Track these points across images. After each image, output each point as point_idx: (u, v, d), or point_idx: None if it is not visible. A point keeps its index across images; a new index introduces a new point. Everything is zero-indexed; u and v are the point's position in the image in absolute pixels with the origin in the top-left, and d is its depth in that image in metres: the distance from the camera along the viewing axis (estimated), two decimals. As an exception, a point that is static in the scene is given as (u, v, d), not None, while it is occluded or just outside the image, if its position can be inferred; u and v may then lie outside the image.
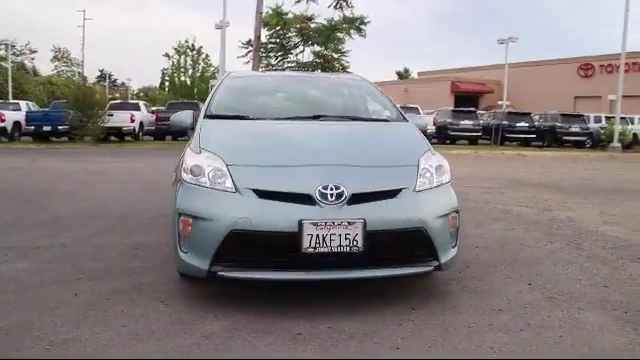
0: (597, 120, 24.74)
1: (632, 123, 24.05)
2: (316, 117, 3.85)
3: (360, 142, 3.49)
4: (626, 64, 36.34)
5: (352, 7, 19.58)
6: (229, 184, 2.94)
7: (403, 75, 66.69)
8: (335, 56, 20.52)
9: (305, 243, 2.77)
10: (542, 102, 34.22)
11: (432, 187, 3.16)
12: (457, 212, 3.23)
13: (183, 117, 4.16)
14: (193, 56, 34.14)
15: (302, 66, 20.11)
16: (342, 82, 4.75)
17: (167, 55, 33.79)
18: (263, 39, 19.69)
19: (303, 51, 20.20)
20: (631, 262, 4.19)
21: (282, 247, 2.83)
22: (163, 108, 24.34)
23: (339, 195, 2.86)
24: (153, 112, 23.10)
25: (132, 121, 19.85)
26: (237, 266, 2.88)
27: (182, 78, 34.41)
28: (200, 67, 34.56)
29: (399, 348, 2.56)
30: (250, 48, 20.21)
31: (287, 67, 20.57)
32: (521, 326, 2.87)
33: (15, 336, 2.59)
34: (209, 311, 2.94)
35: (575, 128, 23.65)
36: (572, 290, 3.48)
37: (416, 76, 59.55)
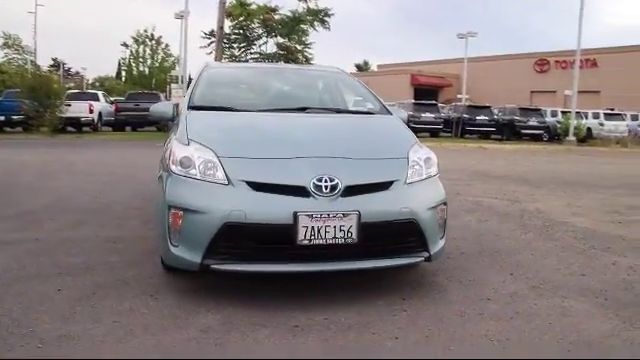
0: (554, 114, 25.54)
1: (586, 118, 24.92)
2: (301, 109, 3.83)
3: (349, 134, 3.48)
4: (580, 60, 37.90)
5: (315, -1, 19.53)
6: (221, 176, 2.89)
7: (362, 68, 67.01)
8: (299, 48, 20.43)
9: (300, 235, 2.75)
10: (499, 96, 35.09)
11: (422, 179, 3.20)
12: (445, 204, 3.27)
13: (164, 108, 4.07)
14: (152, 46, 33.35)
15: (265, 57, 19.97)
16: (323, 74, 4.73)
17: (125, 45, 32.93)
18: (226, 30, 19.40)
19: (266, 42, 20.03)
20: (602, 252, 4.35)
21: (276, 239, 2.81)
22: (122, 98, 23.72)
23: (333, 187, 2.85)
24: (112, 102, 22.48)
25: (91, 111, 19.28)
26: (230, 259, 2.84)
27: (141, 68, 33.57)
28: (159, 57, 33.81)
29: (397, 338, 2.58)
30: (213, 39, 19.92)
31: (250, 58, 20.38)
32: (511, 314, 2.94)
33: (2, 334, 2.47)
34: (201, 305, 2.89)
35: (533, 122, 24.35)
36: (553, 279, 3.58)
37: (376, 69, 60.06)
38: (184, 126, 3.38)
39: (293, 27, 19.10)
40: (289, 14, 19.25)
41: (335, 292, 3.13)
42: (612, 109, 27.64)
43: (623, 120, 25.23)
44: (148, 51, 33.27)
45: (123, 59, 36.52)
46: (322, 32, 21.12)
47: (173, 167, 3.03)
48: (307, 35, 19.67)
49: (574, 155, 16.91)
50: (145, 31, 32.84)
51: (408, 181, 3.11)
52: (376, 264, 2.97)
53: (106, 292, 3.07)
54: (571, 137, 22.92)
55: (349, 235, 2.81)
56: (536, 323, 2.82)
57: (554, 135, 24.41)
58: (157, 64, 33.68)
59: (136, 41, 32.97)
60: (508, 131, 24.17)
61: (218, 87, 4.14)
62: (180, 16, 31.11)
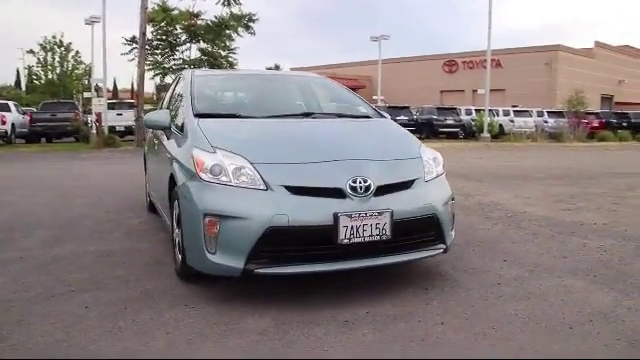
0: (468, 113, 27.04)
1: (497, 115, 26.63)
2: (306, 114, 3.94)
3: (364, 137, 3.64)
4: (485, 60, 40.38)
5: (240, 4, 19.47)
6: (259, 182, 2.95)
7: (274, 71, 67.09)
8: (223, 53, 20.27)
9: (341, 235, 2.88)
10: (412, 96, 36.64)
11: (434, 177, 3.43)
12: (453, 199, 3.53)
13: (159, 117, 4.02)
14: (61, 53, 31.53)
15: (189, 64, 19.62)
16: (310, 81, 4.85)
17: (32, 51, 30.83)
18: (149, 36, 18.87)
19: (190, 48, 19.70)
20: (569, 236, 4.82)
21: (318, 240, 2.92)
22: (35, 109, 22.34)
23: (367, 188, 3.01)
24: (24, 113, 21.10)
25: (3, 123, 17.99)
26: (272, 262, 2.90)
27: (49, 76, 31.63)
28: (69, 65, 32.03)
29: (443, 323, 2.78)
30: (135, 45, 19.30)
31: (173, 64, 19.95)
32: (525, 295, 3.23)
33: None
34: (242, 311, 2.93)
35: (450, 120, 25.69)
36: (542, 263, 3.95)
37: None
38: (200, 134, 3.39)
39: (219, 33, 18.91)
40: (214, 19, 19.05)
41: (360, 288, 3.28)
42: (516, 106, 29.72)
43: (531, 116, 27.24)
44: (57, 58, 31.45)
45: (27, 67, 34.20)
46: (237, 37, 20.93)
47: (203, 175, 3.05)
48: (233, 40, 19.57)
49: (494, 151, 18.07)
50: (53, 37, 31.02)
51: (426, 179, 3.33)
52: (406, 257, 3.17)
53: (137, 306, 3.03)
54: (485, 134, 24.39)
55: (384, 232, 2.98)
56: (551, 301, 3.13)
57: (469, 132, 25.86)
58: (68, 71, 31.91)
59: (43, 48, 31.04)
60: (427, 130, 25.29)
61: (215, 94, 4.15)
62: (91, 22, 29.75)
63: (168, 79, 19.90)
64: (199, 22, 19.08)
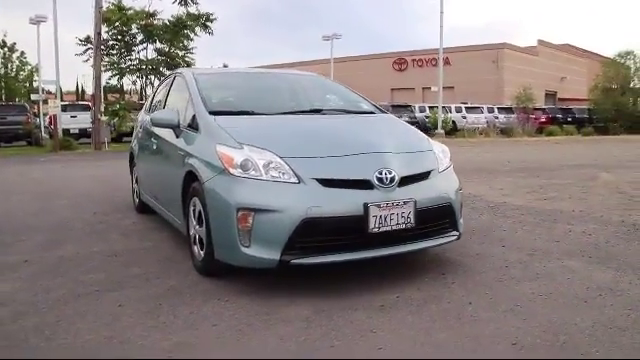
0: (422, 110, 27.72)
1: (450, 112, 27.42)
2: (316, 111, 4.06)
3: (378, 131, 3.79)
4: (434, 59, 41.46)
5: (197, 4, 19.27)
6: (291, 176, 3.06)
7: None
8: (180, 53, 20.00)
9: (371, 224, 3.03)
10: (363, 94, 37.13)
11: (445, 168, 3.63)
12: (461, 189, 3.74)
13: (168, 115, 4.04)
14: (5, 53, 30.20)
15: (147, 64, 19.27)
16: (308, 79, 4.97)
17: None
18: (104, 36, 18.41)
19: (146, 48, 19.34)
20: (553, 223, 5.14)
21: (349, 230, 3.06)
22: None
23: (392, 179, 3.17)
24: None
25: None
26: (307, 253, 3.01)
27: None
28: (14, 66, 30.70)
29: (471, 303, 2.97)
30: (89, 45, 18.79)
31: (130, 65, 19.54)
32: (534, 276, 3.48)
33: (128, 352, 2.44)
34: (276, 301, 3.02)
35: (405, 117, 26.15)
36: (538, 247, 4.22)
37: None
38: (221, 131, 3.45)
39: (177, 32, 18.65)
40: (171, 19, 18.76)
41: (382, 276, 3.44)
42: (465, 103, 30.69)
43: (482, 113, 28.19)
44: (0, 60, 30.10)
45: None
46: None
47: (232, 170, 3.12)
48: (192, 40, 19.34)
49: (452, 147, 18.35)
50: (-5, 37, 29.68)
51: (440, 170, 3.52)
52: (427, 244, 3.36)
53: (171, 302, 3.06)
54: (440, 130, 25.08)
55: (409, 220, 3.15)
56: (559, 280, 3.39)
57: (424, 129, 26.46)
58: (12, 73, 30.59)
59: (-16, 49, 29.66)
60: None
61: (221, 92, 4.19)
62: (36, 21, 28.65)
63: (125, 80, 19.46)
64: (156, 22, 18.75)
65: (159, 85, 5.89)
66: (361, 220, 3.02)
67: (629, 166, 10.87)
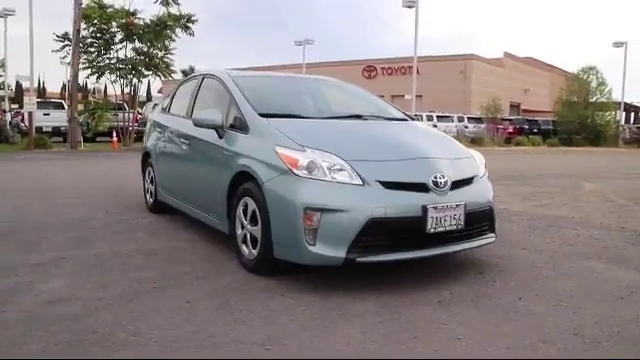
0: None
1: (421, 120, 28.01)
2: (356, 116, 4.24)
3: (422, 138, 4.00)
4: (403, 67, 42.25)
5: (179, 4, 19.15)
6: (356, 178, 3.22)
7: (188, 73, 65.95)
8: (160, 54, 19.81)
9: (429, 225, 3.24)
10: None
11: (483, 175, 3.87)
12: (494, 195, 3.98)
13: (213, 116, 4.11)
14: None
15: (127, 63, 19.00)
16: (338, 84, 5.15)
17: None
18: (83, 33, 18.10)
19: (125, 47, 19.08)
20: (559, 228, 5.47)
21: (408, 230, 3.25)
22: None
23: (445, 183, 3.38)
24: None
25: None
26: (370, 251, 3.19)
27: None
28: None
29: (520, 298, 3.21)
30: (67, 42, 18.44)
31: (107, 63, 19.22)
32: (564, 275, 3.76)
33: (222, 342, 2.55)
34: (338, 297, 3.16)
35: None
36: (555, 250, 4.51)
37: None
38: (278, 133, 3.59)
39: (159, 32, 18.47)
40: (153, 19, 18.56)
41: (425, 275, 3.64)
42: (433, 111, 31.36)
43: (452, 122, 28.93)
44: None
45: None
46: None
47: (297, 171, 3.26)
48: (173, 41, 19.16)
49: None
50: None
51: (480, 175, 3.76)
52: (472, 244, 3.59)
53: (236, 298, 3.15)
54: (413, 138, 25.54)
55: (459, 222, 3.37)
56: (589, 279, 3.67)
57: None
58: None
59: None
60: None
61: (261, 95, 4.30)
62: (4, 14, 27.86)
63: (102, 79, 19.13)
64: (136, 21, 18.52)
65: (179, 85, 5.94)
66: (419, 221, 3.22)
67: (604, 177, 11.46)
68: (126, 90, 19.66)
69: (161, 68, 19.95)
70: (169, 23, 18.99)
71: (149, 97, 48.52)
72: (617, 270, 3.90)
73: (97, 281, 3.50)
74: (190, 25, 19.53)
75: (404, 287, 3.37)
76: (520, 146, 26.34)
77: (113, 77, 18.91)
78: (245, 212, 3.69)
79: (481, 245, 3.73)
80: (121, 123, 19.10)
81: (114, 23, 18.34)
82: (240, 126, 3.97)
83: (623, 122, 37.00)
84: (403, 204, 3.22)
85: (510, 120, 31.49)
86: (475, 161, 3.87)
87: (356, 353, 2.44)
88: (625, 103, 37.09)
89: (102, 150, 17.46)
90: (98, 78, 18.58)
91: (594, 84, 31.52)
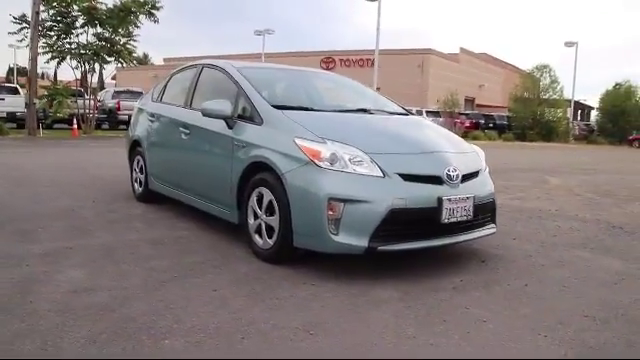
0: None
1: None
2: (362, 110, 4.38)
3: (429, 133, 4.18)
4: (362, 59, 42.63)
5: (143, -11, 18.71)
6: (377, 170, 3.36)
7: (143, 61, 64.47)
8: (122, 40, 19.33)
9: (443, 215, 3.42)
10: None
11: (485, 168, 4.08)
12: (492, 188, 4.22)
13: (222, 106, 4.12)
14: None
15: (89, 48, 18.46)
16: (339, 78, 5.27)
17: None
18: (42, 15, 17.46)
19: (87, 32, 18.53)
20: (541, 220, 5.81)
21: (424, 220, 3.42)
22: None
23: (457, 176, 3.57)
24: None
25: None
26: (389, 240, 3.34)
27: None
28: None
29: (527, 285, 3.44)
30: (24, 25, 17.74)
31: (66, 48, 18.62)
32: (558, 263, 4.04)
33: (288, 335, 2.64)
34: (359, 284, 3.30)
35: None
36: (543, 240, 4.81)
37: (161, 62, 58.60)
38: (296, 124, 3.68)
39: (123, 18, 18.00)
40: (117, 4, 18.05)
41: (433, 264, 3.83)
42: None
43: (413, 115, 29.43)
44: None
45: None
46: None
47: (320, 163, 3.37)
48: (138, 27, 18.73)
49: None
50: None
51: (483, 169, 3.97)
52: (478, 234, 3.81)
53: (261, 286, 3.23)
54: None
55: (469, 213, 3.58)
56: (581, 266, 3.96)
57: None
58: None
59: None
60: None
61: (269, 87, 4.37)
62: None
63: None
64: (100, 6, 18.00)
65: (172, 75, 5.91)
66: (435, 212, 3.40)
67: (565, 171, 12.07)
68: (89, 77, 19.11)
69: (123, 55, 19.47)
70: (133, 9, 18.52)
71: (102, 85, 47.14)
72: (604, 259, 4.21)
73: (113, 271, 3.50)
74: (154, 12, 19.10)
75: (418, 275, 3.54)
76: (476, 140, 27.05)
77: (74, 63, 18.32)
78: (259, 202, 3.77)
79: (486, 235, 3.95)
80: (81, 110, 18.56)
81: (75, 7, 17.73)
82: (251, 117, 4.03)
83: (572, 119, 38.69)
84: (421, 195, 3.39)
85: (467, 115, 32.38)
86: (478, 155, 4.08)
87: (397, 337, 2.59)
88: (575, 101, 38.78)
89: (62, 137, 16.98)
90: (59, 63, 17.96)
91: (547, 81, 32.81)
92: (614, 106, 36.24)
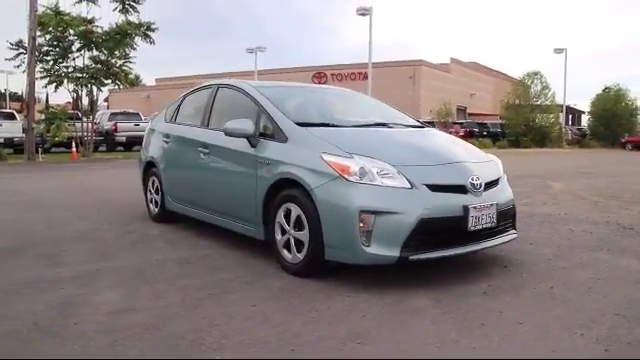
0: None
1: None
2: (381, 124, 4.50)
3: (448, 143, 4.30)
4: (353, 73, 43.04)
5: (138, 12, 18.87)
6: (405, 182, 3.47)
7: (134, 82, 64.55)
8: (119, 62, 19.42)
9: (470, 223, 3.53)
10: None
11: (503, 176, 4.20)
12: (509, 194, 4.33)
13: (244, 125, 4.20)
14: None
15: (86, 72, 18.53)
16: (353, 93, 5.41)
17: None
18: (39, 40, 17.57)
19: (83, 55, 18.63)
20: (553, 224, 5.93)
21: (452, 228, 3.53)
22: None
23: (480, 185, 3.68)
24: None
25: None
26: (420, 249, 3.43)
27: None
28: None
29: (552, 287, 3.54)
30: (22, 50, 17.83)
31: (64, 72, 18.69)
32: (578, 265, 4.16)
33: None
34: (392, 294, 3.39)
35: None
36: (559, 243, 4.93)
37: (153, 82, 58.88)
38: (321, 141, 3.78)
39: (119, 41, 18.13)
40: (113, 27, 18.19)
41: (454, 270, 3.92)
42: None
43: (408, 126, 29.67)
44: None
45: None
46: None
47: (349, 177, 3.47)
48: (134, 49, 18.85)
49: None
50: None
51: (503, 177, 4.09)
52: (501, 240, 3.93)
53: (297, 300, 3.30)
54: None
55: (493, 220, 3.69)
56: (601, 267, 4.07)
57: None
58: None
59: None
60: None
61: (290, 104, 4.47)
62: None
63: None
64: (95, 29, 18.12)
65: (185, 96, 6.01)
66: (462, 220, 3.51)
67: (565, 176, 12.24)
68: (87, 99, 19.20)
69: (120, 77, 19.55)
70: (129, 31, 18.65)
71: (92, 107, 47.07)
72: (621, 259, 4.32)
73: (148, 291, 3.56)
74: (150, 33, 19.24)
75: (446, 282, 3.63)
76: (473, 148, 27.32)
77: (72, 86, 18.41)
78: (287, 217, 3.85)
79: (508, 241, 4.05)
80: (79, 133, 18.60)
81: (71, 31, 17.85)
82: (274, 135, 4.13)
83: (565, 124, 39.11)
84: (448, 205, 3.50)
85: (461, 124, 32.64)
86: (496, 164, 4.20)
87: (442, 342, 2.67)
88: (566, 106, 39.24)
89: (62, 161, 16.97)
90: (56, 87, 18.02)
91: (538, 88, 33.23)
92: (605, 110, 36.76)
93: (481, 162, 4.04)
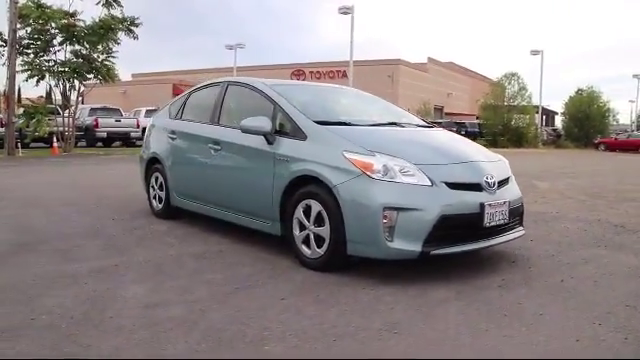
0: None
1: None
2: (392, 124, 4.63)
3: (458, 143, 4.46)
4: (332, 71, 43.26)
5: (122, 7, 18.64)
6: (426, 180, 3.61)
7: (114, 78, 63.45)
8: (101, 57, 19.15)
9: (486, 220, 3.70)
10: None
11: (511, 176, 4.38)
12: (516, 192, 4.51)
13: (262, 123, 4.27)
14: None
15: (68, 66, 18.23)
16: (360, 92, 5.54)
17: None
18: (20, 33, 17.25)
19: (65, 49, 18.33)
20: (549, 222, 6.17)
21: (469, 224, 3.69)
22: None
23: (494, 183, 3.85)
24: None
25: None
26: (440, 244, 3.59)
27: None
28: None
29: (562, 280, 3.74)
30: (1, 43, 17.47)
31: (45, 66, 18.36)
32: (581, 261, 4.38)
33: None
34: (413, 288, 3.54)
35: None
36: (558, 240, 5.16)
37: (130, 78, 58.12)
38: (342, 139, 3.90)
39: (103, 35, 17.89)
40: (97, 21, 17.93)
41: (465, 265, 4.09)
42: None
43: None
44: None
45: None
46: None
47: (372, 174, 3.60)
48: (118, 44, 18.61)
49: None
50: None
51: (512, 176, 4.27)
52: (512, 236, 4.12)
53: (324, 294, 3.41)
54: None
55: (505, 217, 3.88)
56: (603, 262, 4.29)
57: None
58: None
59: None
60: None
61: (306, 103, 4.55)
62: None
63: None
64: (78, 23, 17.85)
65: (191, 92, 6.04)
66: (478, 216, 3.68)
67: (548, 176, 12.60)
68: (70, 94, 18.90)
69: (102, 72, 19.28)
70: (113, 26, 18.42)
71: (67, 102, 46.07)
72: (619, 255, 4.55)
73: (173, 285, 3.62)
74: (133, 28, 19.03)
75: (462, 276, 3.80)
76: (452, 147, 27.75)
77: (53, 81, 18.12)
78: (306, 214, 3.96)
79: (517, 237, 4.24)
80: (60, 128, 18.31)
81: (53, 24, 17.55)
82: (292, 132, 4.22)
83: (540, 125, 39.98)
84: (466, 202, 3.66)
85: (440, 123, 33.04)
86: (505, 163, 4.38)
87: (474, 331, 2.83)
88: (542, 107, 40.11)
89: (43, 156, 16.69)
90: (38, 81, 17.70)
91: (516, 88, 33.92)
92: (579, 111, 37.74)
93: (492, 161, 4.21)
